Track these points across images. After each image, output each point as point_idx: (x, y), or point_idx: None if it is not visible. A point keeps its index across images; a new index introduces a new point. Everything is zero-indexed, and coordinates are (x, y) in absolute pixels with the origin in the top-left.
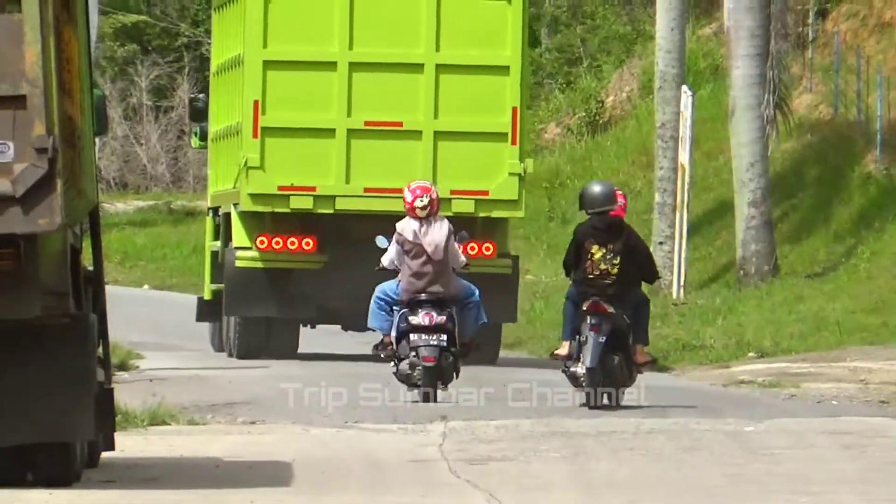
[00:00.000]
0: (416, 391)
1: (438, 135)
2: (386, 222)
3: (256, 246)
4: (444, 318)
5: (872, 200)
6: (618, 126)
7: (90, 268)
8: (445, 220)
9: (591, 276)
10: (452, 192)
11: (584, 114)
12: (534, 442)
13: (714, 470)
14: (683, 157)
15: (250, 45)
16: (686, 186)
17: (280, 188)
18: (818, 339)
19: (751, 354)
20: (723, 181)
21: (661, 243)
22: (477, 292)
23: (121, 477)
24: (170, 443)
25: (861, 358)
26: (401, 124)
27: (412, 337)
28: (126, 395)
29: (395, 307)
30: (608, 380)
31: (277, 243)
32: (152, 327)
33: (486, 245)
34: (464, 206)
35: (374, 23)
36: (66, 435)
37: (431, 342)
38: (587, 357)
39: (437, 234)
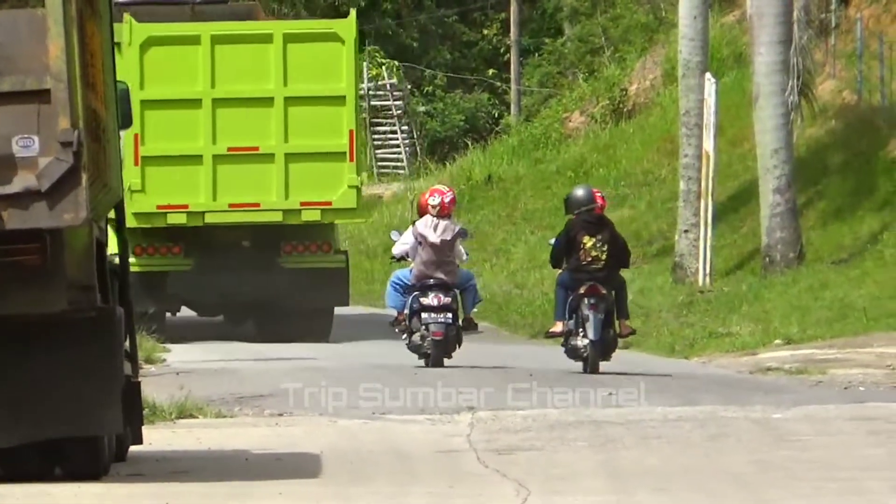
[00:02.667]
0: (424, 359)
1: (289, 156)
2: (246, 231)
3: (134, 253)
4: (450, 299)
5: None
6: (642, 114)
7: (116, 261)
8: (456, 223)
9: (584, 263)
10: (302, 204)
11: (607, 102)
12: (561, 431)
13: (742, 457)
14: (708, 144)
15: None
16: (711, 174)
17: (158, 207)
18: (844, 325)
19: (777, 341)
20: (747, 168)
21: (686, 231)
22: (473, 278)
23: (149, 470)
24: (197, 436)
25: (887, 343)
26: (257, 149)
27: (423, 315)
28: (153, 388)
29: (407, 290)
30: (605, 350)
31: (151, 251)
32: (176, 320)
33: (325, 244)
34: (312, 215)
35: (232, 65)
36: (93, 429)
37: (440, 319)
38: (591, 332)
39: (445, 232)
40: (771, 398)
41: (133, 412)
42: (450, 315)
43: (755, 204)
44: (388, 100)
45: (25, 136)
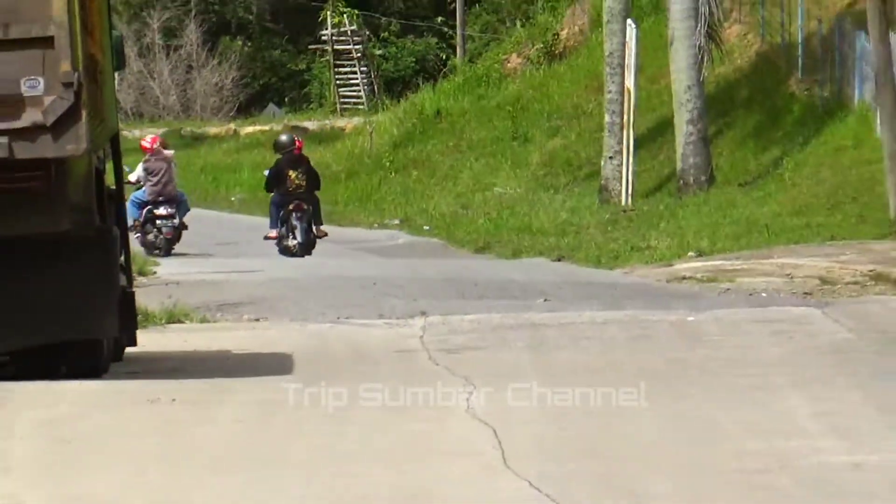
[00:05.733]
0: (156, 252)
1: None
2: None
3: None
4: (174, 210)
5: (795, 118)
6: (571, 56)
7: (113, 187)
8: (170, 153)
9: (290, 189)
10: None
11: (541, 46)
12: (503, 333)
13: (661, 356)
14: (629, 81)
15: None
16: (632, 108)
17: None
18: (749, 239)
19: (690, 254)
20: (664, 102)
21: (610, 158)
22: (185, 195)
23: (143, 369)
24: (185, 338)
25: (787, 255)
26: None
27: (157, 221)
28: (145, 297)
29: (143, 204)
30: (308, 248)
31: None
32: None
33: None
34: None
35: None
36: (93, 333)
37: (168, 224)
38: (299, 236)
39: (163, 162)
40: (685, 303)
41: (128, 318)
42: (176, 220)
43: (671, 134)
44: (349, 44)
45: (32, 77)
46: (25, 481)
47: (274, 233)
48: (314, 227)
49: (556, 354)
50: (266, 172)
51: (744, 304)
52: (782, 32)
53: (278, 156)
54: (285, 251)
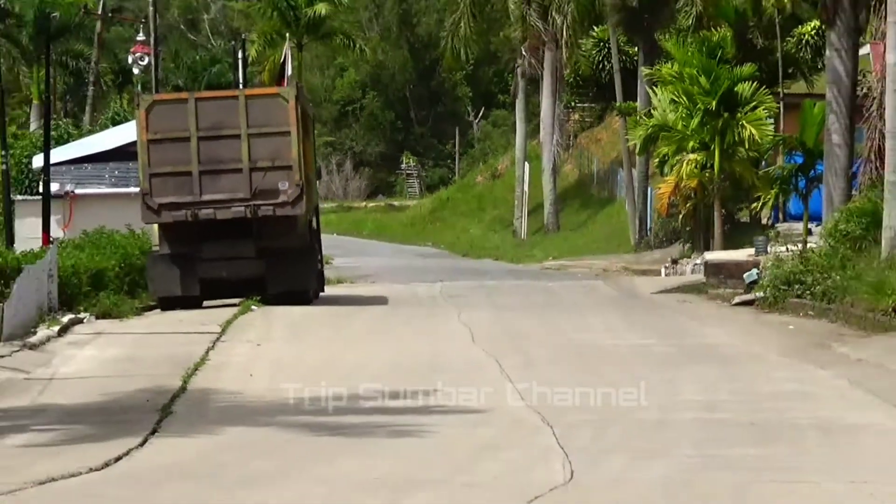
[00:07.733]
0: None
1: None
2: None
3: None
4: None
5: (594, 203)
6: (503, 177)
7: (314, 227)
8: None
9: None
10: None
11: (490, 172)
12: (474, 290)
13: (538, 299)
14: (525, 188)
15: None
16: (526, 198)
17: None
18: (575, 252)
19: (550, 258)
20: (539, 196)
21: (517, 218)
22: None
23: (326, 302)
24: (344, 289)
25: (589, 260)
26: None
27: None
28: (328, 272)
29: None
30: None
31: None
32: (335, 247)
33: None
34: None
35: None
36: (306, 286)
37: None
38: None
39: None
40: (548, 278)
41: (321, 281)
42: None
43: (542, 209)
44: (412, 171)
45: (283, 181)
46: (280, 351)
47: None
48: None
49: (496, 298)
50: None
51: (572, 279)
52: (588, 167)
53: None
54: None
